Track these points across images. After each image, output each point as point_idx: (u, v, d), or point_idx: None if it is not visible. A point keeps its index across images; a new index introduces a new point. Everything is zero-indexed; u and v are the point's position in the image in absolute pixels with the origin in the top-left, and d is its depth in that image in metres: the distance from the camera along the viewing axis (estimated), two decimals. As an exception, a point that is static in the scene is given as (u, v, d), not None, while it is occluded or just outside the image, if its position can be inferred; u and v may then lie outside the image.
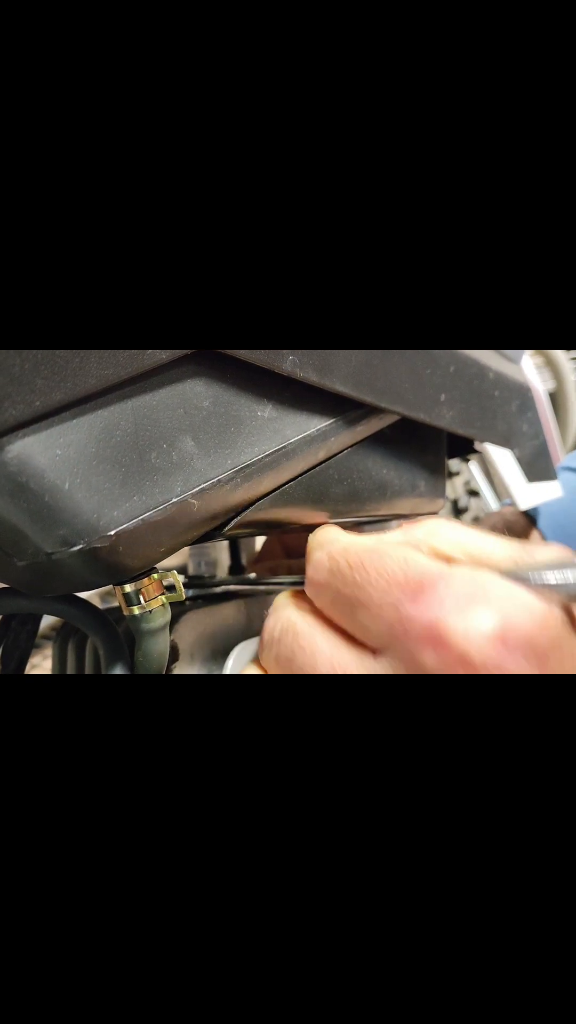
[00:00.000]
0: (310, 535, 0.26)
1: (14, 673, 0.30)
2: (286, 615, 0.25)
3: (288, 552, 0.47)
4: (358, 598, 0.22)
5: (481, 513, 0.77)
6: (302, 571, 0.42)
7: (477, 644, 0.19)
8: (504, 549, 0.23)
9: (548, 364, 1.44)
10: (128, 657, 0.26)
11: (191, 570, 0.47)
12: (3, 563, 0.21)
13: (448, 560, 0.22)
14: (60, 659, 0.36)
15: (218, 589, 0.38)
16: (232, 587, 0.36)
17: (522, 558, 0.22)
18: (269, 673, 0.24)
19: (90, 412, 0.20)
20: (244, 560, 0.52)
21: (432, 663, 0.19)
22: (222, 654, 0.34)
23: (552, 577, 0.20)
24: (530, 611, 0.19)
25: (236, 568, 0.52)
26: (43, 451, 0.18)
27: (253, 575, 0.37)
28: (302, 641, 0.23)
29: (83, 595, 0.30)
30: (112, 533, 0.20)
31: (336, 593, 0.23)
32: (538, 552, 0.22)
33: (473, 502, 0.74)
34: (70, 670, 0.36)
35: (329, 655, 0.22)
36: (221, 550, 0.52)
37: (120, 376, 0.19)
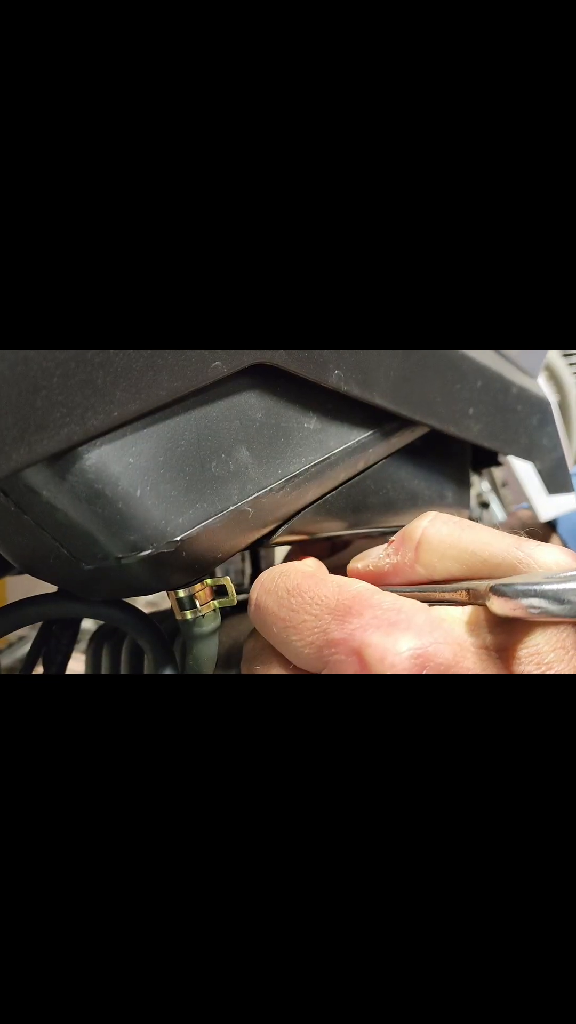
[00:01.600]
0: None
1: (57, 674, 0.31)
2: (249, 642, 0.25)
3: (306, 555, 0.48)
4: (292, 623, 0.21)
5: (492, 522, 0.78)
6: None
7: (396, 665, 0.18)
8: (502, 544, 0.22)
9: (551, 377, 1.46)
10: (176, 661, 0.27)
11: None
12: (67, 566, 0.21)
13: (445, 573, 0.22)
14: (94, 665, 0.37)
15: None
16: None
17: (521, 557, 0.21)
18: None
19: (158, 423, 0.20)
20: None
21: None
22: (255, 660, 0.34)
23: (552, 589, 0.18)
24: (449, 641, 0.19)
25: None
26: (117, 459, 0.19)
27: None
28: (255, 668, 0.24)
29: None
30: (178, 539, 0.21)
31: (275, 619, 0.22)
32: (537, 551, 0.21)
33: (484, 514, 0.75)
34: (104, 673, 0.36)
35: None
36: (244, 559, 0.53)
37: (187, 388, 0.20)
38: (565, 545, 0.55)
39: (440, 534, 0.23)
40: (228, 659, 0.33)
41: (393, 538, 0.24)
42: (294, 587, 0.22)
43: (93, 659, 0.37)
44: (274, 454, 0.25)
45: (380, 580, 0.24)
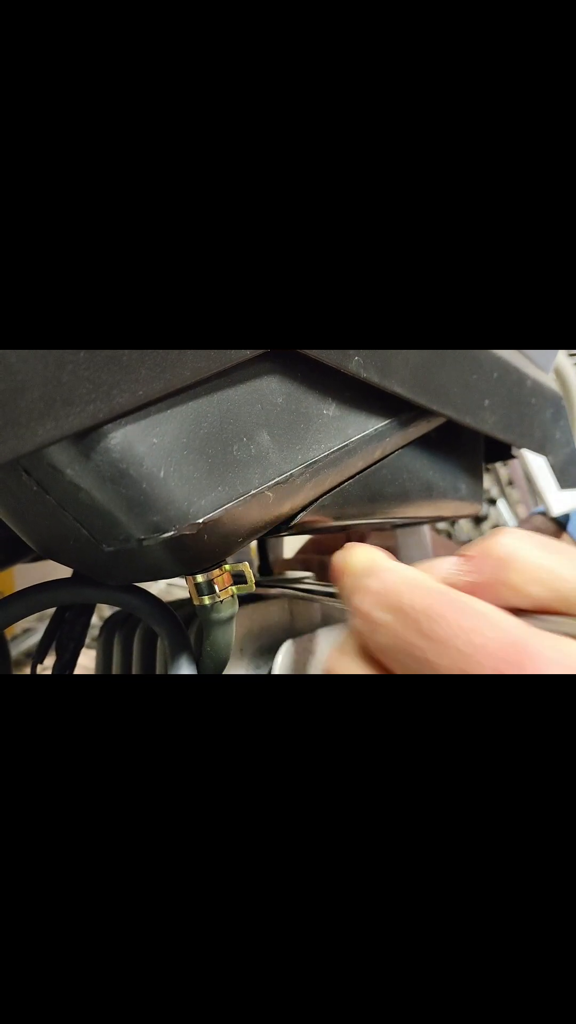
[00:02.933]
0: (338, 554, 0.22)
1: (70, 661, 0.30)
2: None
3: (319, 549, 0.48)
4: (429, 654, 0.18)
5: (499, 520, 0.78)
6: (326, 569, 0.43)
7: None
8: None
9: (557, 375, 1.46)
10: (192, 647, 0.26)
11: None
12: (87, 548, 0.21)
13: (529, 599, 0.20)
14: (105, 652, 0.37)
15: (260, 590, 0.39)
16: (276, 587, 0.37)
17: None
18: None
19: (182, 404, 0.20)
20: (271, 560, 0.52)
21: None
22: (269, 650, 0.34)
23: None
24: None
25: (264, 568, 0.52)
26: (142, 439, 0.19)
27: (301, 574, 0.38)
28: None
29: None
30: (201, 521, 0.20)
31: (397, 638, 0.19)
32: None
33: (492, 510, 0.75)
34: (115, 663, 0.36)
35: None
36: (250, 551, 0.53)
37: (211, 369, 0.20)
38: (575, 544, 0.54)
39: (531, 555, 0.20)
40: (242, 647, 0.33)
41: (465, 551, 0.21)
42: (430, 610, 0.19)
43: (104, 648, 0.37)
44: (294, 440, 0.25)
45: None
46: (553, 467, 0.45)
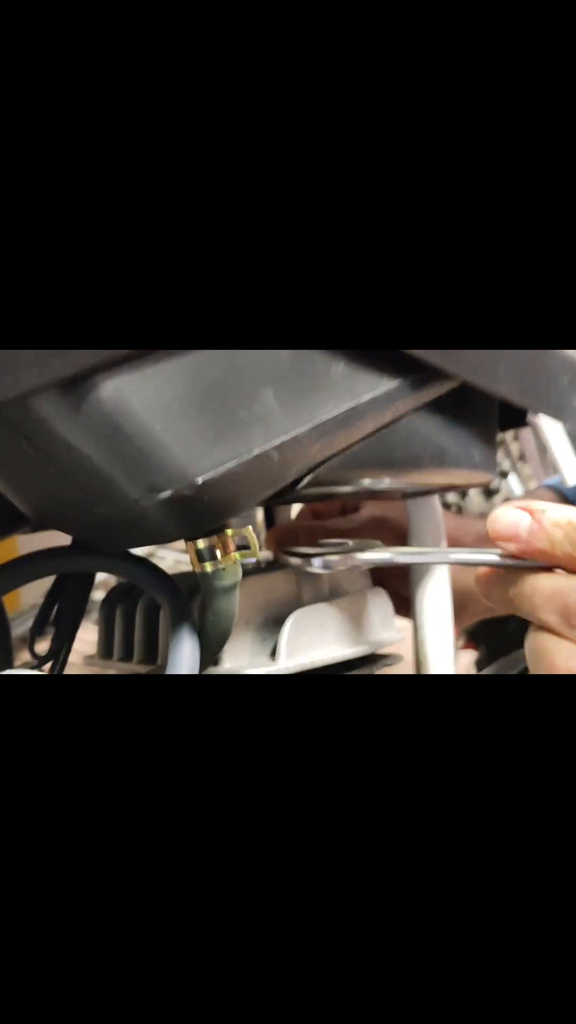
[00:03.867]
0: (494, 514, 0.27)
1: (69, 633, 0.30)
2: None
3: (316, 515, 0.47)
4: None
5: (511, 493, 0.77)
6: (328, 534, 0.41)
7: None
8: None
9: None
10: (194, 617, 0.25)
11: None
12: (84, 512, 0.20)
13: None
14: (107, 627, 0.36)
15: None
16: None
17: None
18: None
19: (181, 355, 0.19)
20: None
21: None
22: (275, 622, 0.33)
23: None
24: None
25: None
26: (137, 392, 0.18)
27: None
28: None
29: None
30: (200, 481, 0.19)
31: None
32: None
33: (503, 483, 0.74)
34: (117, 636, 0.35)
35: None
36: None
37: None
38: None
39: None
40: (248, 619, 0.32)
41: None
42: None
43: (106, 621, 0.36)
44: (300, 398, 0.23)
45: None
46: (570, 435, 0.43)
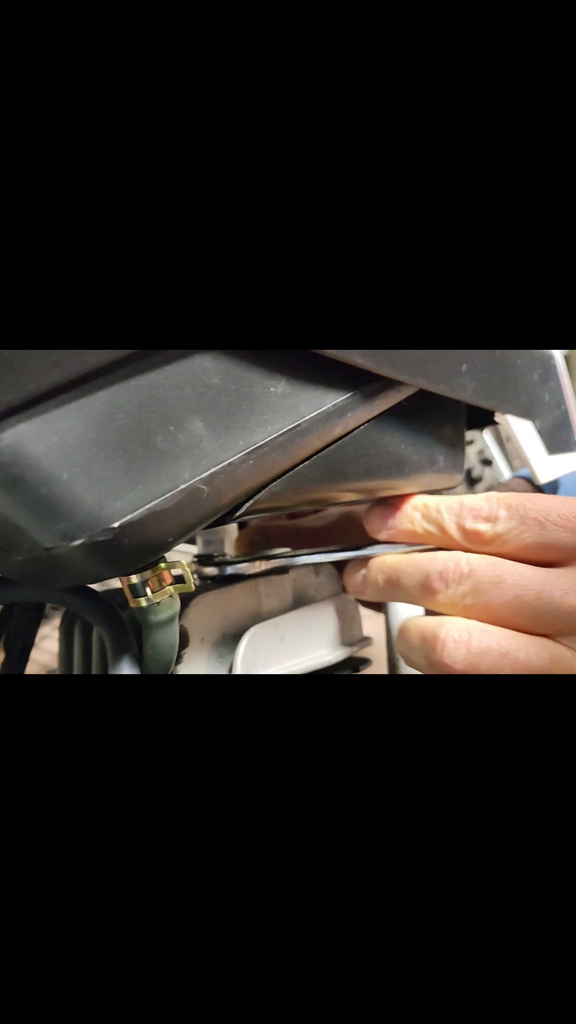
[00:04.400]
0: (415, 499, 0.32)
1: (18, 661, 0.29)
2: (462, 559, 0.27)
3: (290, 514, 0.46)
4: (548, 518, 0.26)
5: (495, 483, 0.76)
6: (299, 533, 0.41)
7: None
8: None
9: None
10: (135, 648, 0.25)
11: (200, 547, 0.45)
12: (1, 557, 0.19)
13: None
14: (66, 643, 0.35)
15: (230, 569, 0.37)
16: (245, 566, 0.35)
17: None
18: (444, 615, 0.27)
19: (89, 395, 0.18)
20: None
21: None
22: (233, 638, 0.33)
23: None
24: None
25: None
26: (38, 439, 0.17)
27: (279, 551, 0.36)
28: (500, 566, 0.26)
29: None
30: (116, 525, 0.18)
31: (522, 519, 0.27)
32: None
33: (487, 471, 0.72)
34: (76, 655, 0.34)
35: (533, 572, 0.25)
36: (230, 528, 0.51)
37: (121, 353, 0.18)
38: None
39: None
40: (203, 636, 0.31)
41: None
42: (526, 498, 0.28)
43: (66, 637, 0.35)
44: (234, 424, 0.22)
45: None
46: (541, 432, 0.42)
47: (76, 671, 0.34)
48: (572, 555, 0.25)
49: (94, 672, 0.33)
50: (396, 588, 0.29)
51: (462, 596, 0.26)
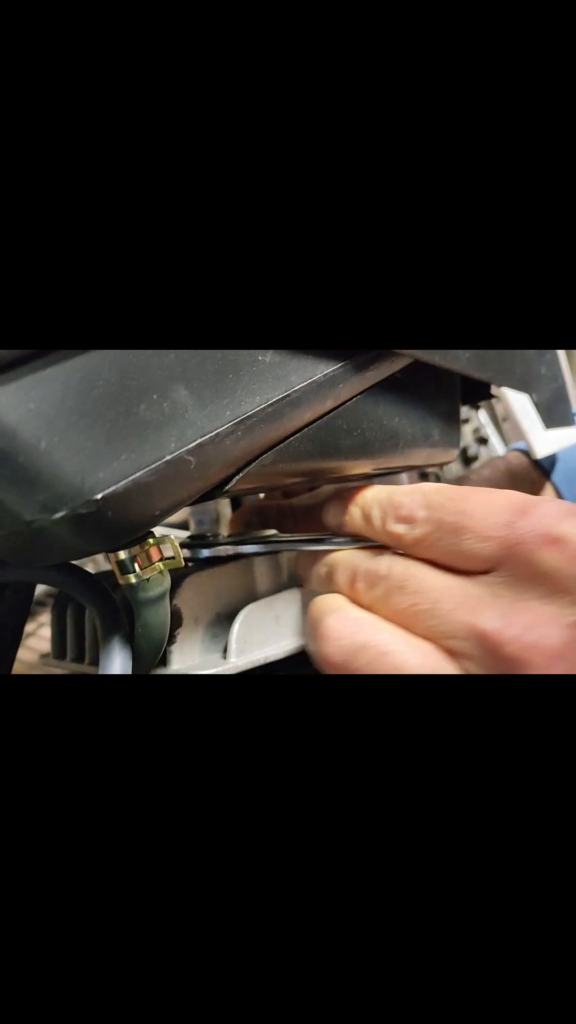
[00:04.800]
0: (363, 491, 0.29)
1: (11, 643, 0.28)
2: (384, 561, 0.26)
3: (285, 493, 0.46)
4: (464, 524, 0.24)
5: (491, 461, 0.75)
6: (295, 512, 0.40)
7: None
8: None
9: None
10: (127, 628, 0.24)
11: (192, 529, 0.45)
12: (-19, 532, 0.19)
13: None
14: (59, 626, 0.35)
15: (225, 550, 0.36)
16: (241, 547, 0.34)
17: None
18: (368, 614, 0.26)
19: (67, 360, 0.17)
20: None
21: (552, 561, 0.21)
22: (227, 618, 0.32)
23: None
24: None
25: (240, 525, 0.49)
26: (12, 407, 0.16)
27: (270, 532, 0.35)
28: (410, 572, 0.25)
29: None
30: (99, 497, 0.18)
31: (438, 523, 0.25)
32: None
33: (483, 450, 0.72)
34: (69, 639, 0.34)
35: (438, 581, 0.24)
36: (223, 505, 0.50)
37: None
38: (558, 493, 0.51)
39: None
40: (197, 616, 0.30)
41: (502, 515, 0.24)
42: (458, 496, 0.25)
43: (58, 622, 0.35)
44: (221, 393, 0.22)
45: None
46: (538, 405, 0.41)
47: (69, 656, 0.34)
48: (492, 564, 0.23)
49: (87, 655, 0.32)
50: (332, 584, 0.28)
51: (378, 599, 0.25)
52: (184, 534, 0.42)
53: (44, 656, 0.37)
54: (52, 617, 0.35)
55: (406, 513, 0.26)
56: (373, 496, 0.29)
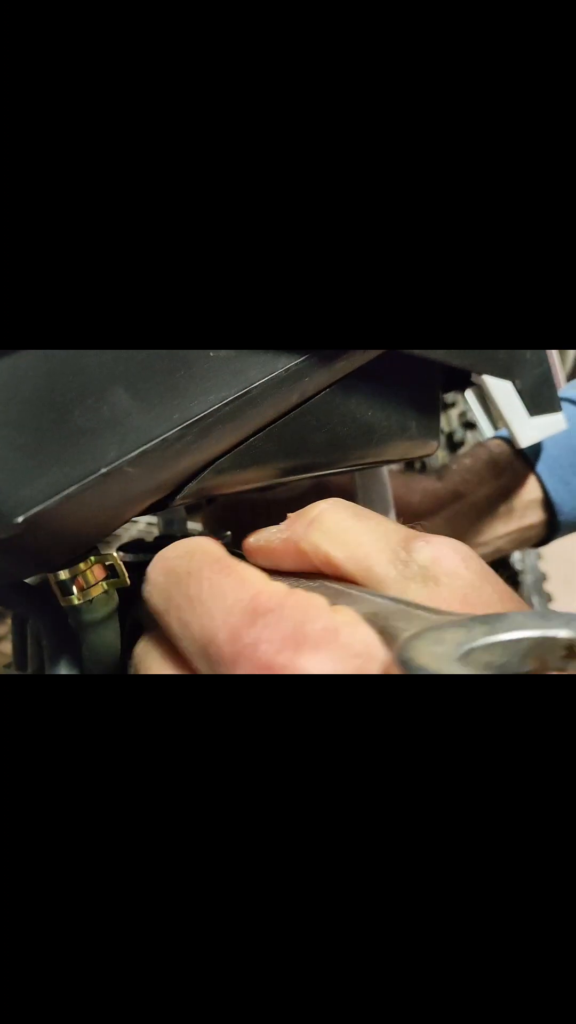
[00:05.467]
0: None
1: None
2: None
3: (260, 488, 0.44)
4: (184, 613, 0.18)
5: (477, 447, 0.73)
6: (269, 506, 0.38)
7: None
8: (383, 560, 0.20)
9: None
10: (76, 649, 0.22)
11: (160, 530, 0.43)
12: None
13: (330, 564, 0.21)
14: (19, 638, 0.33)
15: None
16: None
17: (402, 582, 0.19)
18: None
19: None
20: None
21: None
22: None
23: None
24: (358, 662, 0.16)
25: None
26: None
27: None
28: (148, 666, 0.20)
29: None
30: (19, 520, 0.16)
31: (168, 598, 0.19)
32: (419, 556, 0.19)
33: (469, 435, 0.70)
34: (30, 647, 0.32)
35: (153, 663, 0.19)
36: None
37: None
38: (543, 484, 0.49)
39: (337, 519, 0.21)
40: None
41: (290, 515, 0.23)
42: (196, 569, 0.19)
43: (19, 631, 0.33)
44: (169, 393, 0.20)
45: (271, 557, 0.22)
46: (522, 392, 0.39)
47: (31, 667, 0.32)
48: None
49: (48, 668, 0.30)
50: None
51: None
52: (150, 520, 0.40)
53: (7, 667, 0.35)
54: (12, 628, 0.34)
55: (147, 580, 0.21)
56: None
